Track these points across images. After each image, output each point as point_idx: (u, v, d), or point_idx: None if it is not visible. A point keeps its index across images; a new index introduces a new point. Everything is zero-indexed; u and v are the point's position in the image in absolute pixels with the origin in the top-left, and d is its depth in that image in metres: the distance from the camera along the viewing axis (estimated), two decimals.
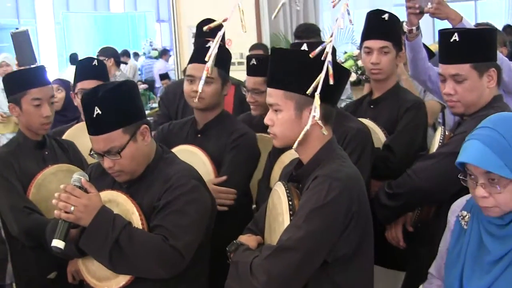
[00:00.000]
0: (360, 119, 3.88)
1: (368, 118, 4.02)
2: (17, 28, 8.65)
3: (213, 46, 2.00)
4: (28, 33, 7.27)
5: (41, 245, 3.31)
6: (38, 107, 3.80)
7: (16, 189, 3.70)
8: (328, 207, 2.56)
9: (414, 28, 4.14)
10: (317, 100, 2.07)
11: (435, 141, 3.48)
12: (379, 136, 3.90)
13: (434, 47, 6.46)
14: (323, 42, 2.45)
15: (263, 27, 9.84)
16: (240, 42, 7.15)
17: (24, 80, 3.86)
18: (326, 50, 1.96)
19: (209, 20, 3.86)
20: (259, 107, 4.10)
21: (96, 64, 4.49)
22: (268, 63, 2.82)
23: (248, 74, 4.12)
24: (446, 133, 3.47)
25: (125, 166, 3.03)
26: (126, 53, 17.89)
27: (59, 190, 2.92)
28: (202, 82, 2.04)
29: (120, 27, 21.30)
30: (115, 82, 3.28)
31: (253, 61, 4.11)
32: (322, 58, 2.05)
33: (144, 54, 19.30)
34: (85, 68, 4.47)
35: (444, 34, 3.29)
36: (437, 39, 3.52)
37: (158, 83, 14.95)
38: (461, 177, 2.45)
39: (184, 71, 4.30)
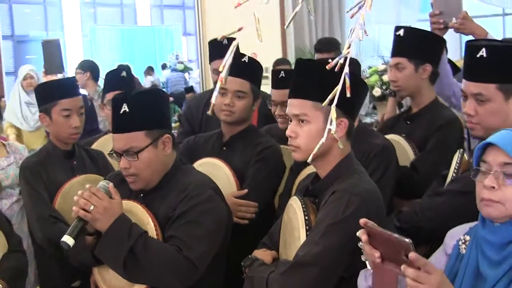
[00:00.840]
0: (392, 135, 3.84)
1: (404, 134, 3.97)
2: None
3: (227, 56, 1.97)
4: (58, 42, 7.33)
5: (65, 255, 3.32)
6: (68, 118, 3.86)
7: (43, 198, 3.74)
8: (346, 223, 2.52)
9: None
10: (333, 113, 2.02)
11: (452, 166, 3.31)
12: (408, 154, 3.83)
13: (460, 64, 6.41)
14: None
15: (288, 40, 9.84)
16: (265, 55, 7.15)
17: (55, 90, 3.94)
18: (341, 62, 1.92)
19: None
20: (288, 121, 4.05)
21: (125, 75, 4.54)
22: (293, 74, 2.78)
23: (276, 87, 4.06)
24: (464, 157, 3.25)
25: (140, 170, 3.03)
26: (150, 69, 18.04)
27: None
28: (215, 93, 2.01)
29: (146, 40, 21.38)
30: (147, 88, 3.31)
31: (282, 74, 4.06)
32: (336, 69, 2.02)
33: (170, 67, 19.36)
34: (114, 79, 4.55)
35: (471, 47, 2.96)
36: (463, 54, 3.31)
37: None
38: (472, 171, 2.35)
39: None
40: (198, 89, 13.37)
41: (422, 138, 3.91)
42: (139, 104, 3.05)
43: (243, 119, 3.83)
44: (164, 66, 18.62)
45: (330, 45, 6.42)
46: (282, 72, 4.10)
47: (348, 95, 1.93)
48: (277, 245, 2.95)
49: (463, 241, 2.42)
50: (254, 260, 2.82)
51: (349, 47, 1.90)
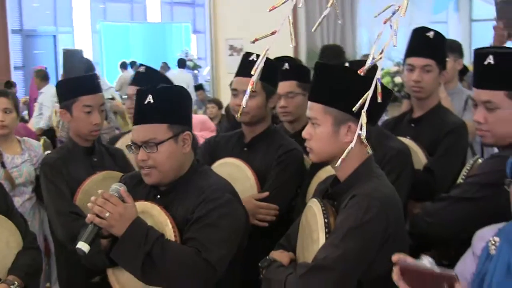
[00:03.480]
0: (400, 138, 3.84)
1: (409, 137, 3.97)
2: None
3: (260, 60, 1.99)
4: (81, 54, 7.30)
5: None
6: (89, 114, 3.88)
7: (64, 194, 3.75)
8: (366, 227, 2.54)
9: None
10: (363, 118, 2.04)
11: (462, 173, 3.37)
12: (419, 157, 3.83)
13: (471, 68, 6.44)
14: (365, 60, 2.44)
15: (300, 42, 9.87)
16: (276, 55, 7.12)
17: (77, 87, 3.95)
18: (366, 67, 1.94)
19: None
20: (290, 114, 4.13)
21: (143, 71, 4.56)
22: (312, 77, 2.83)
23: (281, 79, 4.08)
24: (477, 162, 3.27)
25: (159, 163, 3.03)
26: (165, 65, 18.02)
27: None
28: (246, 96, 2.02)
29: (156, 37, 21.40)
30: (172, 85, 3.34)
31: (286, 66, 4.13)
32: (362, 74, 2.03)
33: (186, 65, 19.34)
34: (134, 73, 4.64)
35: (478, 55, 3.02)
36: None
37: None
38: (507, 181, 2.37)
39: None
40: (208, 87, 13.38)
41: (430, 141, 3.93)
42: (164, 97, 3.06)
43: (259, 118, 3.82)
44: (181, 64, 18.32)
45: (333, 57, 6.46)
46: (286, 64, 4.15)
47: (379, 100, 1.95)
48: (295, 247, 2.95)
49: (492, 242, 2.45)
50: (272, 261, 2.82)
51: (381, 53, 1.91)
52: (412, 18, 11.12)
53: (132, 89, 4.33)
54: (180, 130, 3.07)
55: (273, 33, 2.02)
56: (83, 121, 3.88)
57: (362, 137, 2.23)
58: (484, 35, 4.41)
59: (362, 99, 2.00)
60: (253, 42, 2.07)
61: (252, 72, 2.01)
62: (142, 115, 3.07)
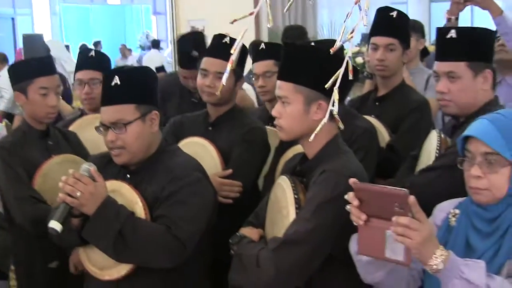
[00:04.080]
0: (365, 116, 3.90)
1: (373, 115, 4.03)
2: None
3: (239, 40, 2.04)
4: (42, 38, 7.22)
5: (46, 234, 3.32)
6: (45, 96, 3.80)
7: (22, 178, 3.68)
8: (335, 202, 2.58)
9: (453, 18, 4.19)
10: (335, 94, 2.10)
11: (430, 145, 3.40)
12: (383, 135, 3.90)
13: (432, 48, 6.53)
14: (334, 40, 2.51)
15: (262, 23, 9.87)
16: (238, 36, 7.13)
17: (32, 68, 3.86)
18: (337, 46, 2.00)
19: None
20: (268, 93, 4.16)
21: (93, 55, 4.50)
22: (281, 56, 2.87)
23: (258, 59, 4.18)
24: (442, 137, 3.35)
25: (127, 143, 3.06)
26: (124, 47, 17.91)
27: None
28: (226, 75, 2.07)
29: (116, 19, 21.29)
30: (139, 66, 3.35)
31: (262, 46, 4.20)
32: (331, 51, 2.10)
33: (141, 46, 19.26)
34: (83, 58, 4.52)
35: (441, 31, 3.23)
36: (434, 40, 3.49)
37: None
38: (458, 159, 2.47)
39: None
40: (170, 69, 13.36)
41: (394, 119, 4.00)
42: (130, 78, 3.09)
43: (226, 99, 3.85)
44: (154, 44, 18.10)
45: (298, 37, 6.53)
46: (263, 44, 4.23)
47: (351, 77, 2.01)
48: (263, 224, 3.01)
49: (453, 214, 2.54)
50: (242, 237, 2.87)
51: (352, 32, 1.96)
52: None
53: (83, 74, 4.35)
54: (148, 109, 3.10)
55: (251, 14, 2.06)
56: (39, 103, 3.80)
57: (334, 113, 2.30)
58: (443, 16, 4.48)
59: (334, 76, 2.06)
60: (232, 22, 2.11)
61: (232, 51, 2.05)
62: (109, 96, 3.09)
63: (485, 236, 2.39)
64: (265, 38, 9.66)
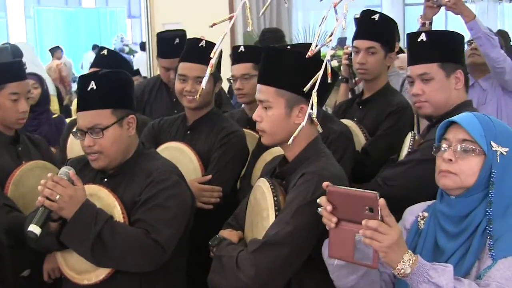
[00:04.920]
0: (344, 120, 3.92)
1: (357, 118, 4.06)
2: None
3: (219, 43, 2.05)
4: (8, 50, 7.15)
5: (19, 243, 3.29)
6: (15, 102, 3.76)
7: None
8: (315, 204, 2.56)
9: (427, 22, 4.22)
10: (314, 98, 2.12)
11: (405, 146, 3.46)
12: (359, 139, 3.91)
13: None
14: (310, 43, 2.53)
15: (237, 26, 9.88)
16: (215, 41, 7.12)
17: (3, 74, 3.80)
18: (315, 49, 2.02)
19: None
20: (246, 96, 4.17)
21: (105, 53, 4.59)
22: (261, 59, 2.88)
23: (236, 62, 4.18)
24: (416, 138, 3.43)
25: (105, 148, 3.05)
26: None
27: (36, 187, 2.91)
28: (205, 79, 2.08)
29: (90, 23, 21.20)
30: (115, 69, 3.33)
31: (241, 49, 4.21)
32: (308, 55, 2.11)
33: (115, 49, 19.17)
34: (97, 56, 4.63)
35: (412, 35, 3.30)
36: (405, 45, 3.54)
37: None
38: (434, 146, 2.51)
39: None
40: (145, 73, 13.33)
41: (373, 123, 4.02)
42: (106, 83, 3.08)
43: (205, 103, 3.87)
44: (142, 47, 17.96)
45: (276, 39, 6.56)
46: (242, 47, 4.24)
47: (330, 80, 2.03)
48: (243, 226, 3.01)
49: (421, 217, 2.58)
50: (222, 239, 2.88)
51: (331, 36, 1.98)
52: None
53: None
54: (124, 114, 3.10)
55: (230, 18, 2.08)
56: (10, 109, 3.75)
57: (313, 116, 2.32)
58: (417, 20, 4.55)
59: (312, 79, 2.07)
60: (212, 26, 2.13)
61: (212, 55, 2.07)
62: (85, 101, 3.08)
63: (453, 237, 2.42)
64: (240, 41, 9.68)
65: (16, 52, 8.79)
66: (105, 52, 4.65)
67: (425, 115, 3.34)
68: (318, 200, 2.36)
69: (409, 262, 2.23)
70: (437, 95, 3.21)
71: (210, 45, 3.84)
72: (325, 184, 2.35)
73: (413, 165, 3.22)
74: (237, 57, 4.20)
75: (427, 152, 2.90)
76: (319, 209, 2.36)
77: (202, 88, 2.18)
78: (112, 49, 18.14)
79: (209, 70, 2.05)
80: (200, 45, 3.84)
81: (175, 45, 4.88)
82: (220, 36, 4.14)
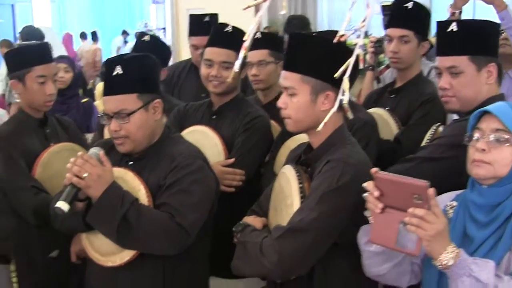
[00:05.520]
0: (377, 109, 3.91)
1: (388, 107, 4.04)
2: None
3: (253, 27, 2.05)
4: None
5: (47, 224, 3.31)
6: (42, 85, 3.79)
7: (22, 168, 3.68)
8: (340, 191, 2.60)
9: (457, 12, 4.17)
10: (346, 83, 2.11)
11: (425, 138, 3.44)
12: (392, 128, 3.90)
13: (434, 41, 6.51)
14: (335, 31, 2.53)
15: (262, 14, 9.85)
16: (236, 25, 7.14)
17: (29, 56, 3.84)
18: (346, 35, 2.01)
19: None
20: (262, 82, 4.20)
21: (147, 39, 4.61)
22: (286, 47, 2.85)
23: (253, 48, 4.17)
24: (438, 130, 3.37)
25: (131, 133, 3.06)
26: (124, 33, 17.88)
27: (64, 169, 2.92)
28: (239, 61, 2.07)
29: (115, 7, 21.24)
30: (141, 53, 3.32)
31: (258, 35, 4.21)
32: (338, 39, 2.10)
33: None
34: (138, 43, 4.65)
35: (442, 24, 3.13)
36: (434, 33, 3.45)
37: None
38: (466, 135, 2.49)
39: None
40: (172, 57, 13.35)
41: (406, 112, 4.00)
42: (132, 67, 3.08)
43: (232, 88, 3.88)
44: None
45: (301, 27, 6.54)
46: (258, 33, 4.23)
47: (361, 66, 2.02)
48: (267, 213, 3.01)
49: (450, 206, 2.57)
50: (246, 226, 2.87)
51: (363, 21, 1.97)
52: None
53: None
54: (150, 98, 3.10)
55: (265, 0, 2.08)
56: (37, 92, 3.79)
57: (344, 102, 2.31)
58: (445, 9, 4.51)
59: (344, 65, 2.07)
60: (245, 9, 2.12)
61: (245, 38, 2.06)
62: (111, 86, 3.08)
63: (483, 226, 2.41)
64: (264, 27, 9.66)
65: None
66: (146, 38, 4.64)
67: (452, 111, 3.27)
68: (364, 185, 2.37)
69: (452, 254, 2.24)
70: (466, 90, 3.05)
71: (237, 30, 3.86)
72: (373, 170, 2.35)
73: (418, 163, 3.14)
74: (253, 43, 4.17)
75: (433, 151, 2.88)
76: (365, 193, 2.37)
77: (235, 71, 2.17)
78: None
79: (242, 53, 2.04)
80: (226, 30, 3.84)
81: (204, 23, 4.93)
82: (244, 25, 4.15)
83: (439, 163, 2.55)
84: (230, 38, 3.82)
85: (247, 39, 2.05)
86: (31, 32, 8.58)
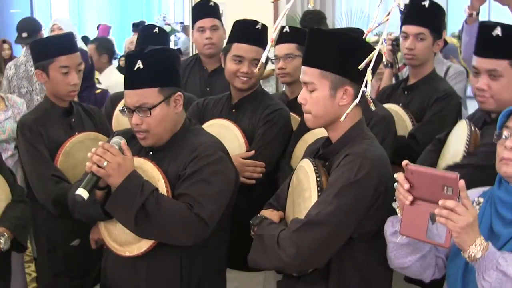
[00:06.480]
0: (391, 104, 3.93)
1: (402, 103, 4.07)
2: None
3: (279, 19, 2.06)
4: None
5: (67, 213, 3.34)
6: (66, 75, 3.82)
7: (44, 157, 3.71)
8: (358, 185, 2.61)
9: (474, 12, 4.17)
10: (369, 75, 2.12)
11: (458, 135, 3.38)
12: (406, 124, 3.93)
13: (450, 40, 6.51)
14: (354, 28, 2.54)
15: (280, 7, 9.84)
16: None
17: (53, 47, 3.87)
18: (372, 28, 2.02)
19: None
20: (288, 75, 4.19)
21: (157, 31, 4.64)
22: (305, 42, 2.87)
23: (281, 42, 4.19)
24: (473, 129, 3.32)
25: (152, 127, 3.08)
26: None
27: (86, 159, 2.94)
28: (266, 53, 2.09)
29: (133, 1, 21.24)
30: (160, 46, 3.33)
31: (286, 29, 4.23)
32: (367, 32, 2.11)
33: None
34: (148, 35, 4.64)
35: (485, 27, 3.15)
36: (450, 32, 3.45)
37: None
38: (496, 133, 2.50)
39: None
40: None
41: (419, 108, 4.03)
42: (153, 61, 3.08)
43: (255, 84, 3.93)
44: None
45: (316, 21, 6.55)
46: (286, 27, 4.26)
47: (384, 59, 2.02)
48: (284, 207, 3.03)
49: (477, 202, 2.57)
50: (263, 219, 2.89)
51: (388, 15, 1.98)
52: None
53: None
54: (171, 91, 3.11)
55: None
56: (61, 82, 3.82)
57: (367, 94, 2.32)
58: (462, 8, 4.51)
59: (368, 58, 2.08)
60: (273, 1, 2.15)
61: (272, 31, 2.08)
62: (132, 80, 3.10)
63: (509, 223, 2.42)
64: (283, 22, 9.64)
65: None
66: (157, 30, 4.68)
67: (487, 110, 3.26)
68: (395, 176, 2.40)
69: (481, 246, 2.26)
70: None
71: (265, 28, 3.93)
72: (404, 162, 2.38)
73: (473, 170, 3.10)
74: (281, 37, 4.20)
75: (485, 158, 2.89)
76: (395, 184, 2.40)
77: (262, 62, 2.19)
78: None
79: (269, 45, 2.06)
80: (256, 27, 3.88)
81: (209, 7, 4.98)
82: (262, 20, 4.17)
83: (490, 170, 2.56)
84: (260, 35, 3.86)
85: (275, 32, 2.07)
86: (28, 23, 8.57)
